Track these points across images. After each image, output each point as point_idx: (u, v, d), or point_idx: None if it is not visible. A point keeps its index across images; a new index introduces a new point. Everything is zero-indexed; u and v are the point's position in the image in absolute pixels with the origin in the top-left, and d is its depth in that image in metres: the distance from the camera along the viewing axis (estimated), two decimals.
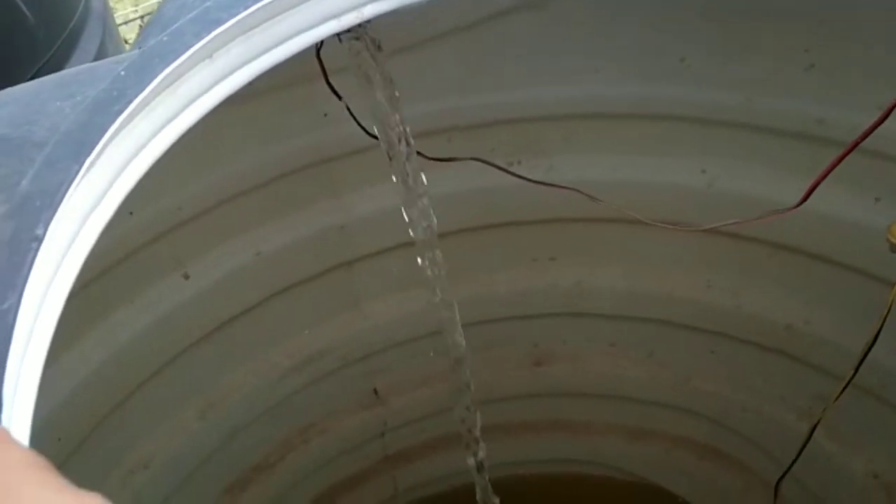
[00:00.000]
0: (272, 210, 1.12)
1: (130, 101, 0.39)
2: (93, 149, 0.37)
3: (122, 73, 0.41)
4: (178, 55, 0.41)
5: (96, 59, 1.43)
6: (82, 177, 0.36)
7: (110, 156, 0.39)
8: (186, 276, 1.07)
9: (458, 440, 1.35)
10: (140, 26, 3.21)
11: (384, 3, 0.56)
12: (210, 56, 0.44)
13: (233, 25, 0.44)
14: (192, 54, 0.42)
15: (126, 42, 2.96)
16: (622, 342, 1.48)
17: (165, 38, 0.42)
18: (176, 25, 0.43)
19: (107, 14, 1.58)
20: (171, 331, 1.10)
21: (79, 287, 0.96)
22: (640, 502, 1.73)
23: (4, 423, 0.28)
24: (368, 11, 0.55)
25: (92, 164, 0.37)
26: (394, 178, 0.87)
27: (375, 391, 1.41)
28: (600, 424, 1.61)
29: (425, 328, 1.33)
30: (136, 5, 3.19)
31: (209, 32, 0.43)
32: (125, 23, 3.10)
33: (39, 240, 0.33)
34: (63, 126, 0.39)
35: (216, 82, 0.45)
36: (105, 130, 0.38)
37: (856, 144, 0.66)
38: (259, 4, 0.45)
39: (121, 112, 0.39)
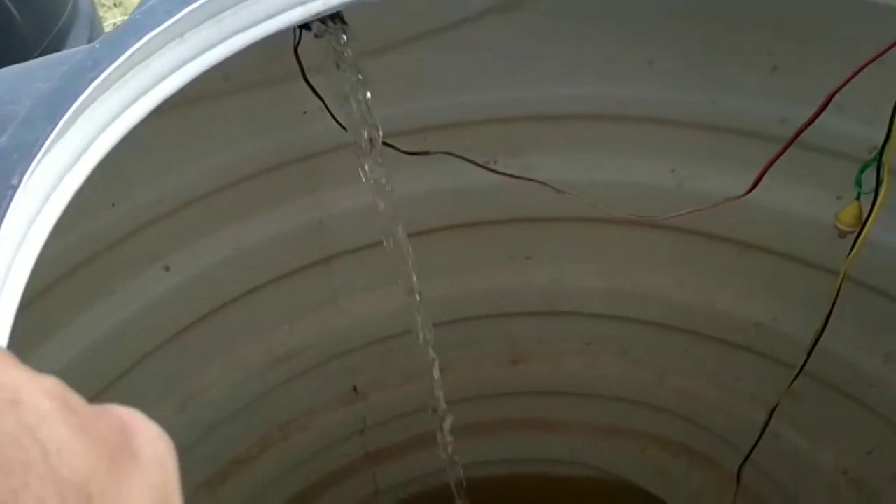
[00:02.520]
0: (252, 205, 1.14)
1: (104, 70, 0.42)
2: (66, 110, 0.40)
3: (97, 46, 0.44)
4: (149, 30, 0.44)
5: None
6: (57, 135, 0.39)
7: (85, 119, 0.41)
8: (167, 269, 1.10)
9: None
10: None
11: None
12: (181, 35, 0.47)
13: (203, 5, 0.47)
14: (163, 30, 0.45)
15: None
16: (598, 341, 1.51)
17: (138, 16, 0.46)
18: (148, 4, 0.46)
19: (94, 15, 1.61)
20: (151, 323, 1.12)
21: (60, 277, 0.99)
22: (619, 502, 1.75)
23: None
24: (335, 1, 0.58)
25: (67, 124, 0.40)
26: (362, 175, 0.90)
27: (355, 388, 1.44)
28: (577, 423, 1.64)
29: (404, 325, 1.35)
30: (126, 14, 3.22)
31: (179, 11, 0.46)
32: None
33: (14, 188, 0.36)
34: (41, 92, 0.42)
35: (187, 61, 0.48)
36: (79, 95, 0.40)
37: (799, 132, 0.70)
38: None
39: (94, 79, 0.41)
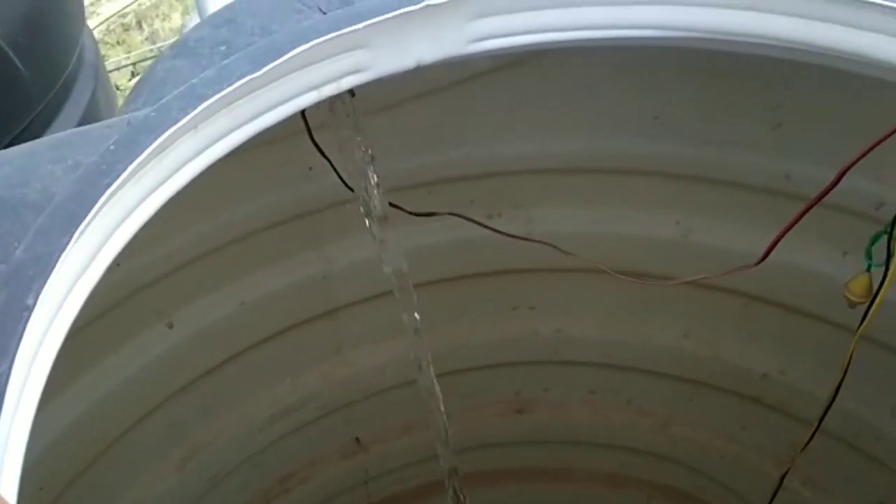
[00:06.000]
0: (257, 260, 1.14)
1: (118, 175, 0.42)
2: (82, 220, 0.39)
3: (112, 147, 0.44)
4: (164, 129, 0.44)
5: (87, 109, 1.47)
6: (72, 247, 0.39)
7: (98, 226, 0.41)
8: (171, 326, 1.09)
9: (442, 488, 1.35)
10: (132, 73, 3.26)
11: (361, 76, 0.59)
12: (195, 127, 0.47)
13: (217, 100, 0.47)
14: (177, 129, 0.45)
15: (117, 88, 3.01)
16: (602, 390, 1.50)
17: (153, 114, 0.45)
18: (163, 101, 0.46)
19: (98, 64, 1.62)
20: (155, 379, 1.12)
21: (66, 336, 0.98)
22: None
23: None
24: (346, 83, 0.58)
25: (81, 234, 0.40)
26: (371, 236, 0.90)
27: (357, 439, 1.42)
28: (582, 472, 1.62)
29: (406, 376, 1.34)
30: (129, 52, 3.24)
31: (195, 108, 0.46)
32: (117, 69, 3.15)
33: (30, 309, 0.35)
34: (56, 196, 0.41)
35: (200, 151, 0.48)
36: (94, 203, 0.40)
37: (809, 207, 0.70)
38: (242, 81, 0.49)
39: (109, 185, 0.41)
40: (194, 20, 3.30)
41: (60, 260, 0.38)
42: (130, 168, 0.42)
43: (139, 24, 3.29)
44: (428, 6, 0.54)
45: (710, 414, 1.43)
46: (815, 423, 1.25)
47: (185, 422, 1.20)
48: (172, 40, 3.34)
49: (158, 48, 3.31)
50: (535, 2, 0.57)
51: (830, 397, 0.93)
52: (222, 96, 0.47)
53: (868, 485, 1.31)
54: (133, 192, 0.44)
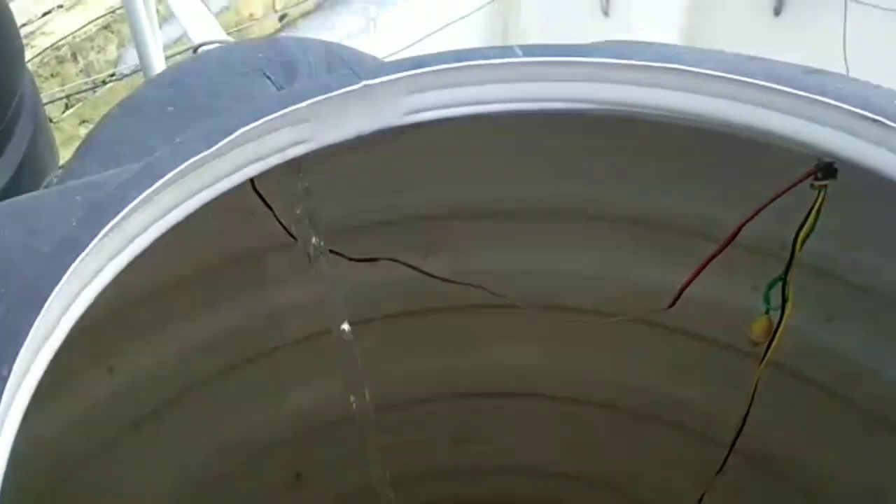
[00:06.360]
0: (198, 303, 1.17)
1: (82, 251, 0.46)
2: (48, 296, 0.43)
3: (75, 224, 0.48)
4: (123, 208, 0.48)
5: (26, 156, 1.47)
6: (39, 321, 0.43)
7: (61, 297, 0.45)
8: (111, 370, 1.11)
9: None
10: (66, 105, 3.23)
11: (305, 146, 0.64)
12: (151, 200, 0.51)
13: (171, 177, 0.51)
14: (135, 206, 0.49)
15: (51, 121, 2.98)
16: (538, 419, 1.55)
17: (115, 192, 0.49)
18: (123, 180, 0.50)
19: (38, 109, 1.62)
20: (94, 424, 1.13)
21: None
22: None
23: None
24: (291, 153, 0.63)
25: (47, 309, 0.43)
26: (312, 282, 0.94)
27: (298, 475, 1.45)
28: (520, 499, 1.67)
29: (347, 411, 1.38)
30: (63, 85, 3.21)
31: (151, 185, 0.50)
32: (51, 102, 3.12)
33: (4, 379, 0.39)
34: (23, 272, 0.45)
35: (155, 221, 0.52)
36: (59, 280, 0.44)
37: (709, 260, 0.77)
38: (194, 158, 0.53)
39: (73, 261, 0.45)
40: (130, 52, 3.28)
41: (30, 334, 0.42)
42: (91, 245, 0.46)
43: (74, 56, 3.26)
44: (366, 85, 0.60)
45: (639, 440, 1.50)
46: (735, 448, 1.33)
47: (125, 466, 1.21)
48: (107, 73, 3.32)
49: (93, 80, 3.29)
50: (460, 79, 0.63)
51: (741, 423, 1.01)
52: (177, 173, 0.52)
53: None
54: (92, 265, 0.48)
